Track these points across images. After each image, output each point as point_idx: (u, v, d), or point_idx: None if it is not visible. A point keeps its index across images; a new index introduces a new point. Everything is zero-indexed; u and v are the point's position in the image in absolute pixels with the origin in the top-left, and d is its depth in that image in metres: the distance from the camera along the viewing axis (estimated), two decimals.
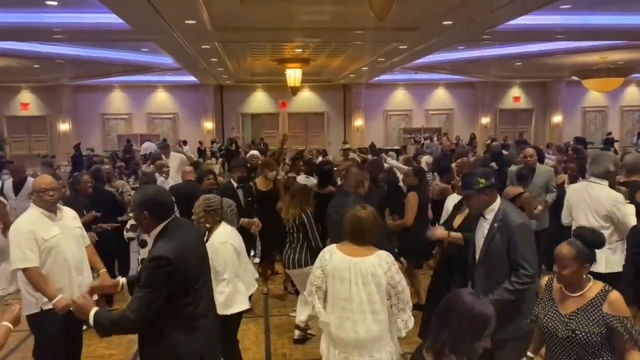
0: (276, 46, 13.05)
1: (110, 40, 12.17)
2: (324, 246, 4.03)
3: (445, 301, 2.10)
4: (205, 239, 3.90)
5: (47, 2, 8.83)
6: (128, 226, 5.47)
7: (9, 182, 7.51)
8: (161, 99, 22.51)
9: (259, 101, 22.99)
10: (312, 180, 7.49)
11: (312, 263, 3.67)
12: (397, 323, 3.11)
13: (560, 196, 5.74)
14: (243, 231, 5.06)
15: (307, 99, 22.89)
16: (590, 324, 2.63)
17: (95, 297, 3.90)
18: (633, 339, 2.58)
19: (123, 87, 21.84)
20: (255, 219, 5.80)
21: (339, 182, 7.20)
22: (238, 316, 4.04)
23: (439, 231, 4.38)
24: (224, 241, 3.91)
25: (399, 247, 5.87)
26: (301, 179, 7.60)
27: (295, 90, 16.29)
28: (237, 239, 4.08)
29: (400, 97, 23.48)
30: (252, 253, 7.33)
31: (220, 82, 20.81)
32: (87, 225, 5.00)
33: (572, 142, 14.81)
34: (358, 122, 22.88)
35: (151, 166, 8.93)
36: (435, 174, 7.86)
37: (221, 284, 3.82)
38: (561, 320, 2.72)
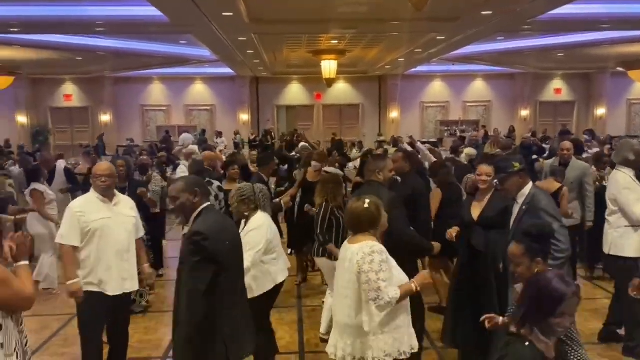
0: (312, 38, 13.06)
1: (150, 33, 12.43)
2: None
3: (534, 276, 2.30)
4: (242, 227, 3.98)
5: None
6: None
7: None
8: (199, 91, 22.83)
9: (294, 93, 23.08)
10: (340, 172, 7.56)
11: None
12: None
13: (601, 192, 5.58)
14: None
15: (342, 91, 22.82)
16: None
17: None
18: None
19: (162, 79, 22.25)
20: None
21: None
22: (269, 297, 4.07)
23: (450, 232, 4.26)
24: (261, 224, 3.99)
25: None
26: (332, 170, 7.60)
27: (330, 82, 16.28)
28: (272, 226, 4.14)
29: (437, 89, 23.17)
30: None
31: (256, 74, 20.96)
32: None
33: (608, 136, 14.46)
34: (393, 114, 22.71)
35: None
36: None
37: (259, 263, 3.92)
38: None
